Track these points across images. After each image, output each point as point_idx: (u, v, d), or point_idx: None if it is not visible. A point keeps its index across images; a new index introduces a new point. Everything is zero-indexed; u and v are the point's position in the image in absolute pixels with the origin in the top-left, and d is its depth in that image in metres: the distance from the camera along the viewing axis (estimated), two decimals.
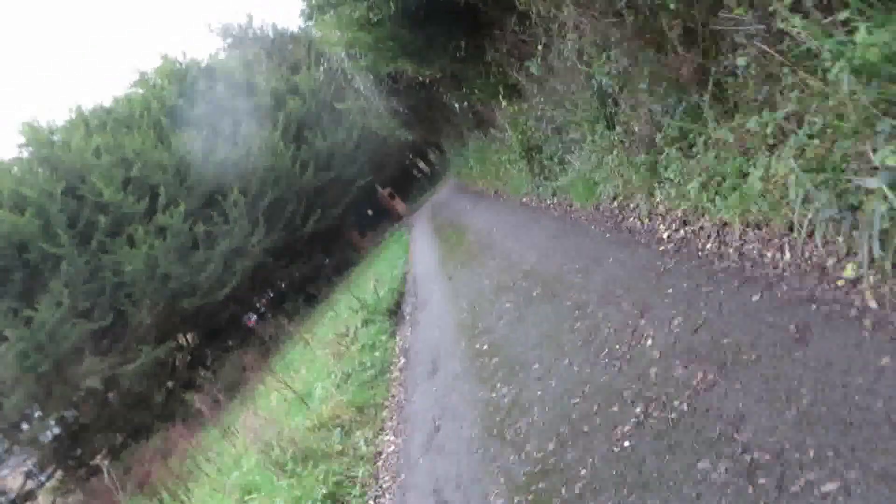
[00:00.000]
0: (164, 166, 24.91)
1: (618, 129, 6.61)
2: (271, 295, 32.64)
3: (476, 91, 11.11)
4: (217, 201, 25.95)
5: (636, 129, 6.35)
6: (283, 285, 32.83)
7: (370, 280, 17.99)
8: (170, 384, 26.42)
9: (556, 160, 8.99)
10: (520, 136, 10.30)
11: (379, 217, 39.93)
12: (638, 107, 6.26)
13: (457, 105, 11.41)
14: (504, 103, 9.60)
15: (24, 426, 21.94)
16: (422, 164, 49.03)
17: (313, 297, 29.72)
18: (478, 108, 13.34)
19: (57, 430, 22.75)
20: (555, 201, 9.21)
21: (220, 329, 29.53)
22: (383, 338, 10.00)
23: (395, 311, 12.32)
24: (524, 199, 11.57)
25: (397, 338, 10.14)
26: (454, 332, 7.59)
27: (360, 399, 7.13)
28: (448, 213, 20.40)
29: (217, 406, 21.55)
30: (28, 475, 23.18)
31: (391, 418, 6.55)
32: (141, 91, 30.25)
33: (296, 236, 30.00)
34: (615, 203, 6.55)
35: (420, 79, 11.73)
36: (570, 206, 8.18)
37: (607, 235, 6.11)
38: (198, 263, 23.87)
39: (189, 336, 28.87)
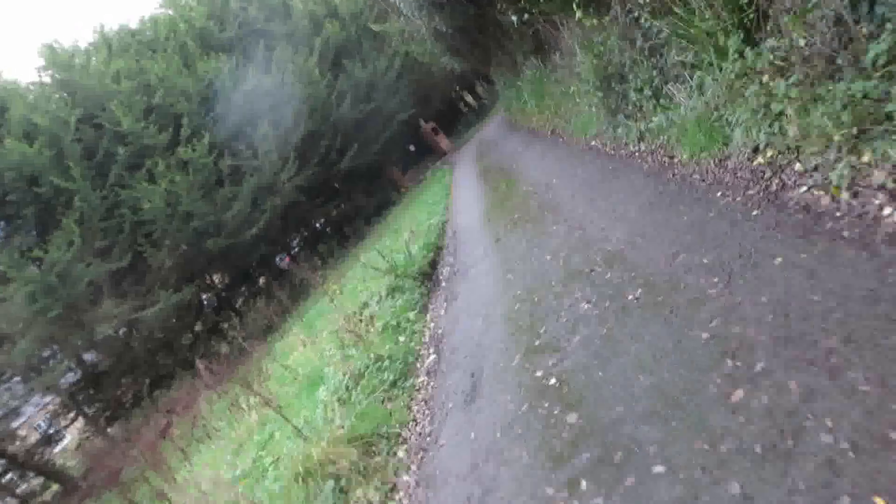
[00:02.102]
0: (188, 94, 22.94)
1: (770, 42, 4.23)
2: (305, 235, 30.89)
3: (539, 2, 8.61)
4: (245, 133, 23.96)
5: (801, 42, 4.00)
6: (317, 225, 31.04)
7: (405, 228, 15.99)
8: (198, 326, 25.20)
9: (647, 92, 6.59)
10: (595, 61, 7.87)
11: (421, 153, 37.62)
12: (813, 7, 3.90)
13: (515, 19, 8.94)
14: (578, 15, 7.15)
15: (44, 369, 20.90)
16: (468, 98, 46.16)
17: (349, 238, 27.94)
18: (538, 28, 10.82)
19: (77, 375, 21.68)
20: (641, 148, 6.85)
21: (251, 269, 28.06)
22: (411, 315, 7.92)
23: (428, 275, 10.24)
24: (593, 143, 9.20)
25: (428, 316, 8.05)
26: (503, 331, 5.44)
27: (370, 423, 5.10)
28: (496, 154, 18.01)
29: (237, 358, 20.21)
30: (52, 418, 22.41)
31: (408, 468, 4.50)
32: (170, 12, 28.09)
33: (331, 173, 27.96)
34: (759, 159, 4.22)
35: None
36: (672, 158, 5.83)
37: (755, 213, 3.82)
38: (223, 201, 22.08)
39: (217, 277, 27.47)
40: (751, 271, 3.29)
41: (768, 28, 4.40)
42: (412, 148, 38.14)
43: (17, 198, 19.11)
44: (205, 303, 25.72)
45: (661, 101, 6.32)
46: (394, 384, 5.97)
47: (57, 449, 22.77)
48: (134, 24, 27.41)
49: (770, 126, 4.06)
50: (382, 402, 5.64)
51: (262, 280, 28.42)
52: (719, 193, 4.43)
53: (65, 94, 22.19)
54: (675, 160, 5.69)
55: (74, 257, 18.10)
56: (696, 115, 5.19)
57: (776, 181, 3.91)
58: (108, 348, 21.17)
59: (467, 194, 15.53)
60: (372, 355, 6.67)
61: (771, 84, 4.16)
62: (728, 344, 2.91)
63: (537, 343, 4.62)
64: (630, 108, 7.30)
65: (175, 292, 20.85)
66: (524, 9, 8.87)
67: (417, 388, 5.88)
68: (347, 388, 6.27)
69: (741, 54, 4.61)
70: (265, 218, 23.40)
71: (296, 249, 31.29)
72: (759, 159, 4.23)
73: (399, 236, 15.78)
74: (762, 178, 4.09)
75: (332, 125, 27.16)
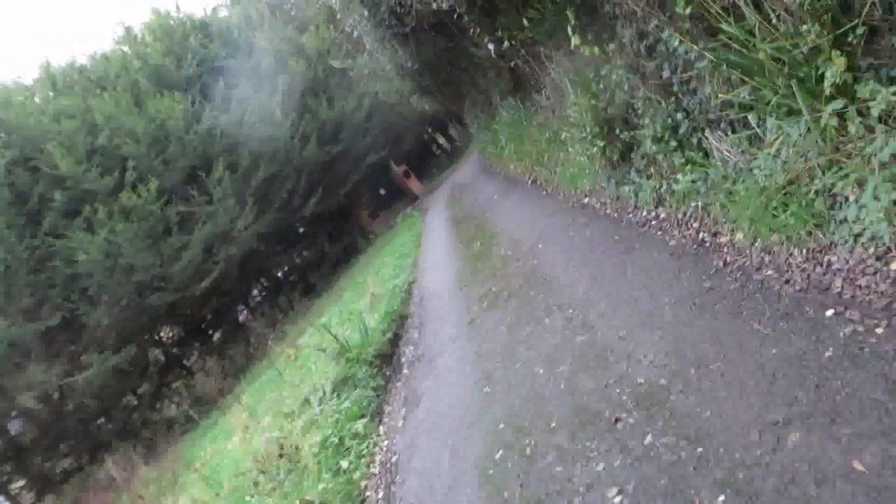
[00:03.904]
0: (136, 135, 21.01)
1: None
2: (266, 284, 28.82)
3: (522, 28, 6.97)
4: (199, 178, 22.03)
5: None
6: (279, 274, 29.01)
7: (369, 285, 14.25)
8: (144, 388, 22.82)
9: (671, 142, 4.93)
10: (593, 102, 6.25)
11: (392, 197, 35.96)
12: None
13: (492, 49, 7.28)
14: (575, 41, 5.52)
15: None
16: (441, 140, 44.86)
17: (312, 288, 26.04)
18: (517, 62, 9.24)
19: None
20: (661, 215, 5.17)
21: (205, 324, 25.92)
22: (360, 427, 6.04)
23: (388, 357, 8.42)
24: (586, 200, 7.56)
25: (382, 428, 6.19)
26: (480, 498, 3.63)
27: None
28: (470, 202, 16.37)
29: (183, 426, 18.23)
30: None
31: None
32: (125, 49, 26.35)
33: (294, 219, 26.16)
34: None
35: (434, 7, 7.61)
36: (715, 236, 4.15)
37: None
38: (171, 251, 20.03)
39: (168, 331, 25.25)
40: None
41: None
42: (383, 191, 36.53)
43: None
44: (150, 361, 23.40)
45: (691, 153, 4.67)
46: None
47: None
48: (84, 60, 25.66)
49: None
50: None
51: (217, 335, 26.27)
52: (830, 312, 2.72)
53: (3, 135, 20.20)
54: (723, 240, 4.00)
55: None
56: (763, 179, 3.51)
57: None
58: (33, 418, 18.86)
59: (437, 249, 13.82)
60: (301, 498, 4.79)
61: None
62: None
63: None
64: (642, 161, 5.65)
65: (114, 353, 18.68)
66: (502, 38, 7.26)
67: None
68: None
69: (842, 89, 2.97)
70: (219, 269, 21.38)
71: (258, 299, 29.19)
72: None
73: (362, 292, 14.05)
74: None
75: (295, 168, 25.39)
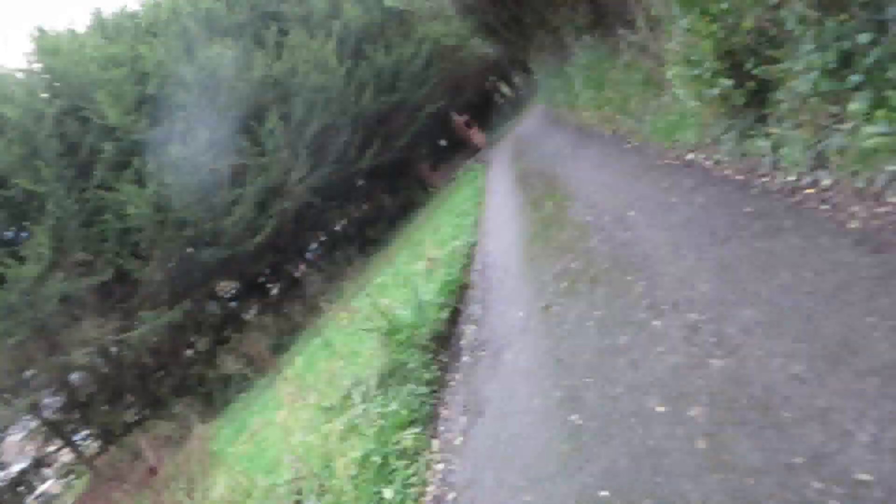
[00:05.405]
0: (187, 83, 20.10)
1: None
2: (323, 239, 27.99)
3: None
4: (252, 128, 21.07)
5: None
6: (336, 229, 28.11)
7: (427, 244, 13.19)
8: (202, 342, 22.55)
9: (842, 79, 3.44)
10: (713, 27, 4.73)
11: (453, 149, 34.47)
12: None
13: None
14: None
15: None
16: (504, 89, 42.78)
17: (372, 243, 25.04)
18: None
19: (60, 400, 19.10)
20: (821, 183, 3.71)
21: (264, 278, 25.42)
22: (408, 440, 4.86)
23: (445, 339, 7.23)
24: (690, 156, 6.09)
25: (435, 443, 4.99)
26: None
27: None
28: (537, 156, 14.85)
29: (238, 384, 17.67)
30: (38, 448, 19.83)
31: None
32: None
33: (350, 172, 24.96)
34: None
35: None
36: None
37: None
38: (223, 205, 19.24)
39: (225, 285, 24.79)
40: None
41: None
42: (443, 143, 35.08)
43: None
44: (207, 316, 22.97)
45: (884, 92, 3.18)
46: None
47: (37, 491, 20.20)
48: (137, 7, 24.91)
49: None
50: None
51: (275, 290, 25.77)
52: None
53: (55, 84, 19.62)
54: None
55: (43, 273, 15.48)
56: None
57: None
58: (93, 372, 18.68)
59: (501, 208, 12.46)
60: None
61: None
62: None
63: None
64: (787, 106, 4.15)
65: (169, 309, 18.21)
66: None
67: None
68: None
69: None
70: (272, 224, 20.55)
71: (315, 253, 28.47)
72: None
73: (419, 254, 12.89)
74: None
75: (350, 118, 24.14)
